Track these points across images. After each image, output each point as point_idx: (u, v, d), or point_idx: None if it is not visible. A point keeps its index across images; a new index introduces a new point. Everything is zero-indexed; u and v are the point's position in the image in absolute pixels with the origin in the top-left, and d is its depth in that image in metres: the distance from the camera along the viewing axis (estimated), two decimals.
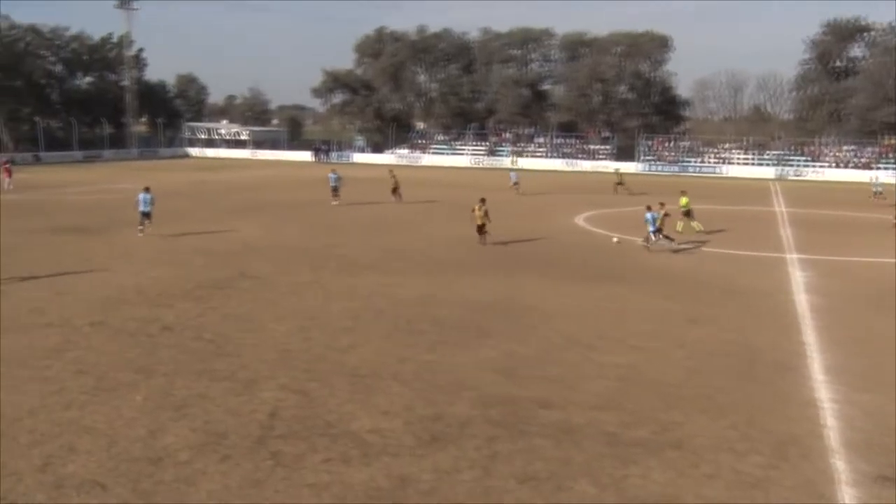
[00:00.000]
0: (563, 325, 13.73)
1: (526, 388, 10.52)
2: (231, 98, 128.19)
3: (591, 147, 71.49)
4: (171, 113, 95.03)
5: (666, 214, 22.45)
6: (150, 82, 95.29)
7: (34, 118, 76.29)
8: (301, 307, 14.85)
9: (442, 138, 79.33)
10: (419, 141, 79.06)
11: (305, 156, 76.42)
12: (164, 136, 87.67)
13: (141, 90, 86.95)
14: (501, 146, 75.23)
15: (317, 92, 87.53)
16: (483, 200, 23.21)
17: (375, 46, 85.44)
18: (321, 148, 78.28)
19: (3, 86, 75.31)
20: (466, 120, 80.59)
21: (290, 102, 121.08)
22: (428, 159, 73.29)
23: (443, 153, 75.15)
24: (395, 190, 34.65)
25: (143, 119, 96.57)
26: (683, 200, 25.85)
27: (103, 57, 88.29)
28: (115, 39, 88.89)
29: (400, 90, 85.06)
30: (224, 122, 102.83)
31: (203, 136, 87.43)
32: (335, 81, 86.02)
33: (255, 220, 28.42)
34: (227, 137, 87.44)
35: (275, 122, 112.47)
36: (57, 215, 28.91)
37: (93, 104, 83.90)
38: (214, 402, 9.83)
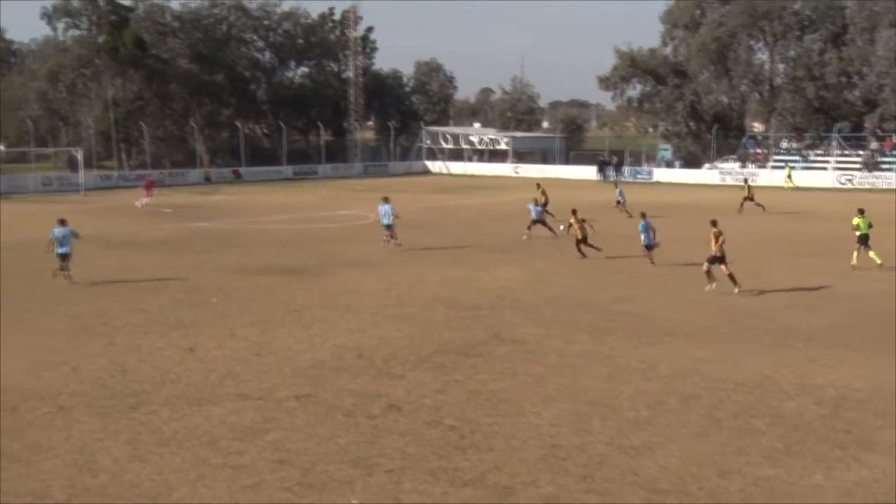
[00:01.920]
0: None
1: None
2: (486, 93, 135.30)
3: None
4: (406, 114, 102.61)
5: (718, 238, 23.73)
6: (380, 73, 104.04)
7: (235, 122, 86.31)
8: (577, 386, 15.01)
9: (790, 146, 75.92)
10: (754, 150, 76.49)
11: (588, 172, 77.55)
12: (396, 145, 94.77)
13: (368, 84, 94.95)
14: (889, 155, 70.06)
15: (606, 82, 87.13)
16: (574, 212, 30.92)
17: (693, 13, 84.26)
18: (608, 161, 78.32)
19: (201, 82, 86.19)
20: (830, 118, 76.39)
21: (566, 97, 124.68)
22: (767, 177, 70.63)
23: (792, 167, 71.93)
24: (546, 204, 39.38)
25: (370, 122, 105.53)
26: (856, 221, 27.47)
27: (322, 40, 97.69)
28: (336, 16, 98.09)
29: (727, 76, 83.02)
30: (476, 125, 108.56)
31: (448, 146, 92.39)
32: (632, 66, 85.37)
33: (515, 259, 29.60)
34: (480, 147, 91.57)
35: (545, 125, 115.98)
36: (257, 250, 32.24)
37: (307, 104, 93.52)
38: None
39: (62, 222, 25.62)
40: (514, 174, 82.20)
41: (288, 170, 79.77)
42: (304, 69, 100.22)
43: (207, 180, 72.16)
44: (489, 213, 46.77)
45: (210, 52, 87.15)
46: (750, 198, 46.10)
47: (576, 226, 30.47)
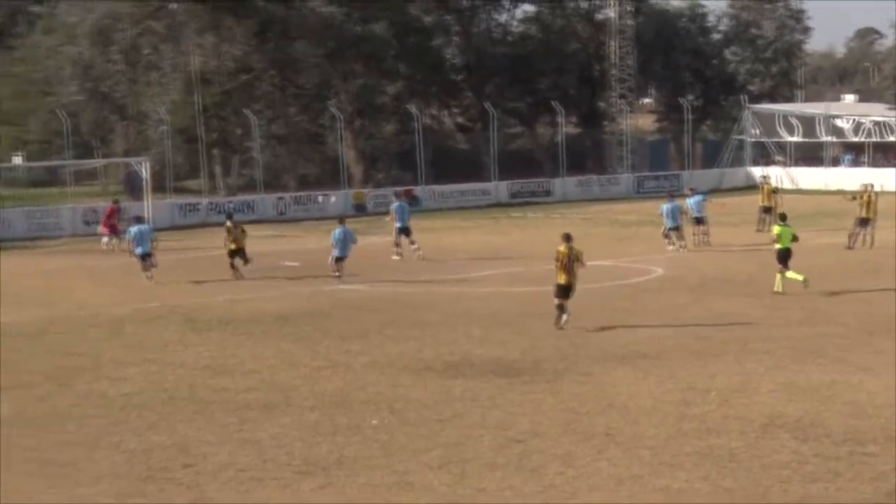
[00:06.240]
0: None
1: None
2: (864, 38, 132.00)
3: None
4: (714, 83, 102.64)
5: None
6: (665, 11, 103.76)
7: (406, 107, 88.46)
8: None
9: None
10: None
11: None
12: (695, 139, 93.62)
13: (643, 32, 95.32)
14: None
15: None
16: (230, 216, 46.63)
17: None
18: None
19: (348, 37, 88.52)
20: None
21: None
22: None
23: None
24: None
25: (648, 100, 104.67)
26: (776, 230, 38.85)
27: None
28: None
29: None
30: (846, 98, 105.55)
31: (794, 138, 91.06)
32: None
33: None
34: (856, 138, 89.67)
35: None
36: (446, 332, 32.83)
37: (533, 70, 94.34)
38: None
39: (139, 219, 44.60)
40: None
41: (500, 188, 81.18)
42: (527, 8, 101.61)
43: (360, 209, 73.84)
44: (874, 260, 45.81)
45: None
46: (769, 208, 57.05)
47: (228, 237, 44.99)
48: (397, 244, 50.07)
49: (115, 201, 60.44)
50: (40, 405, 24.97)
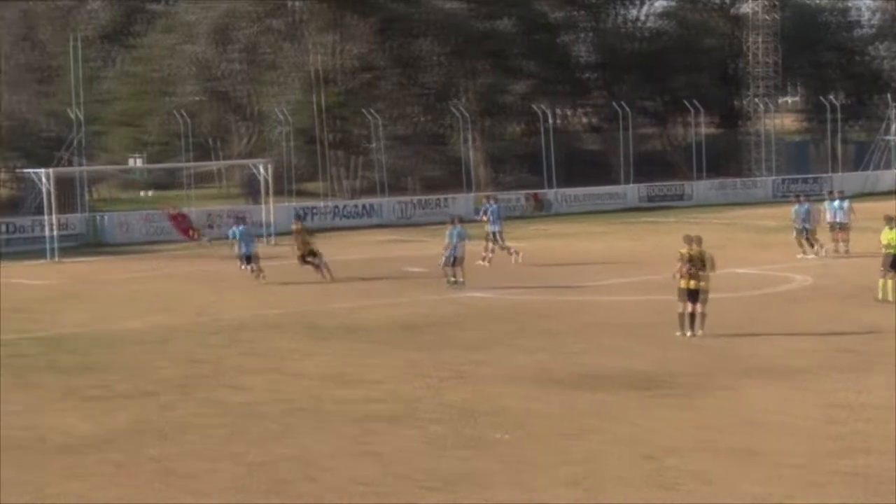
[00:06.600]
0: None
1: None
2: None
3: None
4: (861, 80, 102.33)
5: None
6: (806, 6, 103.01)
7: (534, 106, 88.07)
8: None
9: None
10: None
11: None
12: (843, 140, 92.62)
13: (787, 27, 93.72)
14: None
15: None
16: (299, 218, 55.16)
17: None
18: None
19: (473, 35, 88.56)
20: None
21: None
22: None
23: None
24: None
25: (791, 98, 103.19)
26: (891, 236, 38.56)
27: None
28: None
29: None
30: None
31: None
32: None
33: None
34: None
35: None
36: (575, 342, 32.77)
37: (667, 67, 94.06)
38: None
39: (240, 219, 49.08)
40: None
41: (632, 191, 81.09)
42: (661, 3, 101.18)
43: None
44: None
45: None
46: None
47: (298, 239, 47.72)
48: (508, 249, 51.06)
49: (174, 207, 61.53)
50: (163, 414, 25.18)
